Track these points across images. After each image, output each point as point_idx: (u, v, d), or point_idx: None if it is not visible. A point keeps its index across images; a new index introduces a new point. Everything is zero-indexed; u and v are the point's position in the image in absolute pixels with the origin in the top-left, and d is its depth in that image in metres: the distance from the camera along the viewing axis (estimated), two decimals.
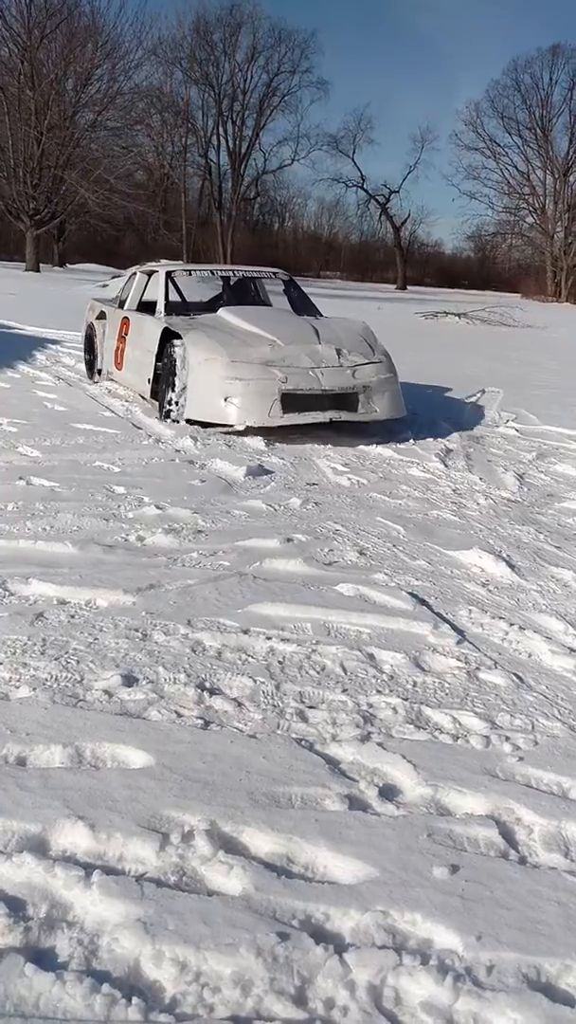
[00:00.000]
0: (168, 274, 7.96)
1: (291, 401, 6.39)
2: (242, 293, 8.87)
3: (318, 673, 2.90)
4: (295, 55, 48.43)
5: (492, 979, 1.70)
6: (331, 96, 68.05)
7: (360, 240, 59.32)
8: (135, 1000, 1.57)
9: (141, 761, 2.32)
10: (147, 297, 8.22)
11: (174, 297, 7.89)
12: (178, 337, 6.82)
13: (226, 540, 4.15)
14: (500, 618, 3.42)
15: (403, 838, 2.08)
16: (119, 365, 8.15)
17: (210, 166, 49.88)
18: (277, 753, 2.39)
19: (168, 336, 7.05)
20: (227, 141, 49.55)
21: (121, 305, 8.56)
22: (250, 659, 2.97)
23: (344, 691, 2.79)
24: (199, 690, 2.71)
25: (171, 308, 7.63)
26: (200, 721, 2.54)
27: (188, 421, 6.63)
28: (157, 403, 7.12)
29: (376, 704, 2.73)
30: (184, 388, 6.65)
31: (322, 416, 6.48)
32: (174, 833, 2.03)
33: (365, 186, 52.81)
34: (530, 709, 2.77)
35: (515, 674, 3.00)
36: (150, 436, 6.40)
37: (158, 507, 4.58)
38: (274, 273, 8.90)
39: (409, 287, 47.47)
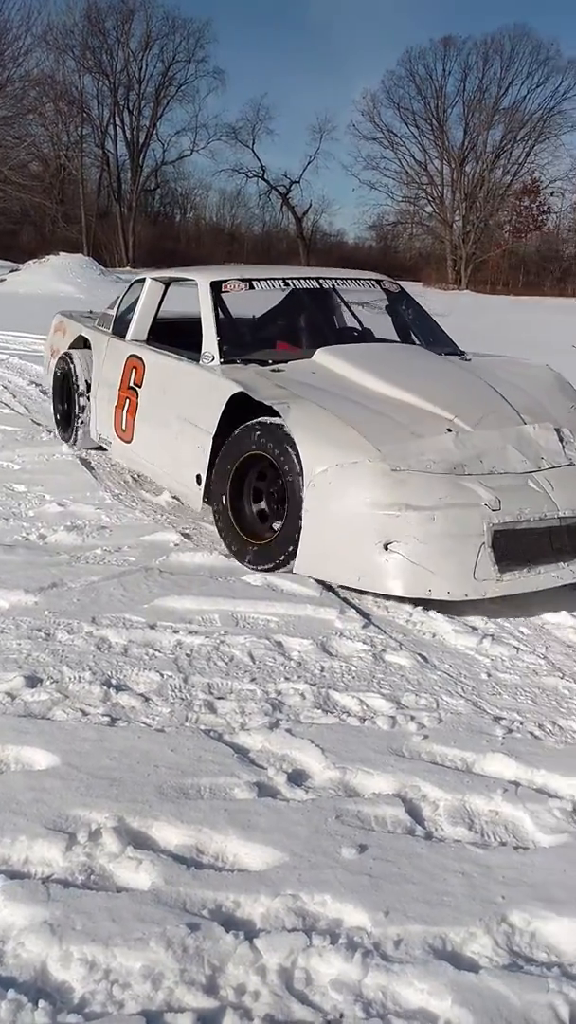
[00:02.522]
0: (216, 287, 4.53)
1: (511, 545, 3.32)
2: (319, 314, 5.31)
3: (226, 664, 2.90)
4: (190, 44, 47.89)
5: (400, 952, 1.73)
6: (229, 86, 67.35)
7: (263, 230, 59.32)
8: (42, 1003, 1.55)
9: (46, 762, 2.28)
10: (164, 316, 5.27)
11: (227, 327, 4.60)
12: (268, 412, 3.69)
13: (131, 535, 4.11)
14: (405, 600, 3.48)
15: (312, 822, 2.10)
16: (126, 433, 4.90)
17: (108, 156, 49.03)
18: (185, 745, 2.39)
19: (240, 405, 3.84)
20: (124, 131, 48.77)
21: (119, 330, 5.36)
22: (157, 654, 2.95)
23: (253, 680, 2.80)
24: (105, 687, 2.68)
25: (227, 346, 4.35)
26: (107, 718, 2.51)
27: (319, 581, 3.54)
28: (218, 522, 3.91)
29: (284, 691, 2.74)
30: (294, 519, 3.52)
31: (569, 573, 3.40)
32: (81, 832, 2.00)
33: (266, 176, 52.82)
34: (435, 688, 2.83)
35: (420, 654, 3.06)
36: (51, 432, 6.20)
37: (60, 504, 4.50)
38: (376, 281, 5.30)
39: None
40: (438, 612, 3.38)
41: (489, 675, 2.95)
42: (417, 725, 2.58)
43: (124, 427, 4.94)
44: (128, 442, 4.93)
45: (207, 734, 2.46)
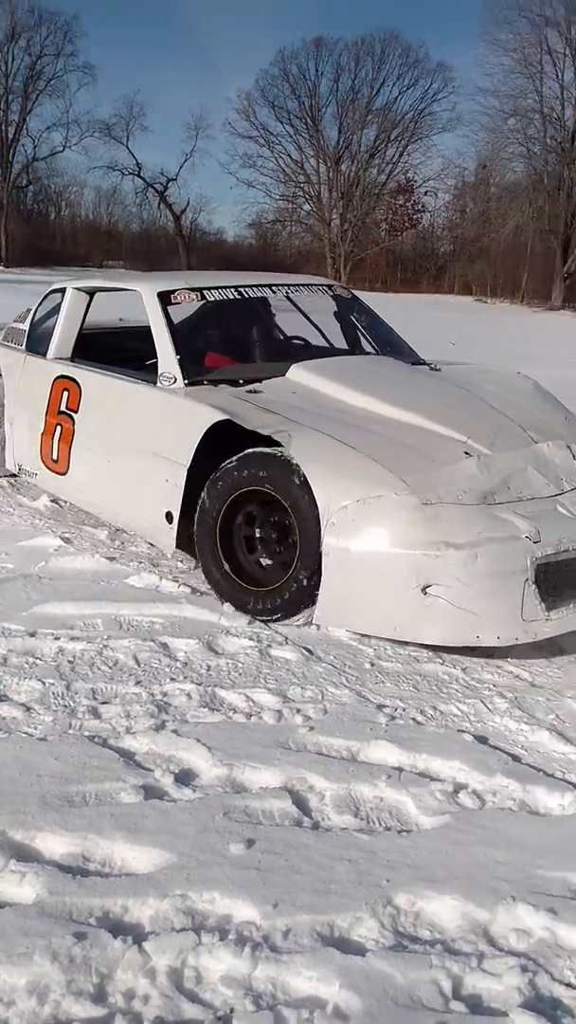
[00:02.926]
0: (164, 298, 4.06)
1: (554, 579, 3.01)
2: (254, 323, 4.82)
3: (110, 668, 2.87)
4: (58, 37, 46.68)
5: (289, 943, 1.75)
6: (101, 81, 66.46)
7: (142, 229, 58.62)
8: None
9: None
10: (90, 327, 4.83)
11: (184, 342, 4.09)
12: (258, 441, 3.30)
13: (8, 541, 4.00)
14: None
15: (200, 820, 2.10)
16: (59, 464, 4.39)
17: None
18: (69, 753, 2.35)
19: (220, 433, 3.41)
20: None
21: (35, 347, 4.81)
22: (38, 662, 2.88)
23: (138, 683, 2.78)
24: None
25: (189, 365, 3.90)
26: None
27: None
28: (206, 568, 3.47)
29: (170, 692, 2.73)
30: (308, 563, 3.11)
31: None
32: None
33: (142, 174, 52.20)
34: (320, 680, 2.87)
35: (305, 648, 3.10)
36: None
37: None
38: (327, 287, 4.91)
39: None
40: None
41: (372, 664, 3.01)
42: (303, 717, 2.61)
43: (56, 457, 4.38)
44: (62, 474, 4.36)
45: (91, 740, 2.42)
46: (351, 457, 3.13)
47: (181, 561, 3.85)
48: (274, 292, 4.56)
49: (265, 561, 3.42)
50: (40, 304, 5.02)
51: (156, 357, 3.99)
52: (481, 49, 53.74)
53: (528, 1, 31.95)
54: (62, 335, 4.63)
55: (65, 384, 4.38)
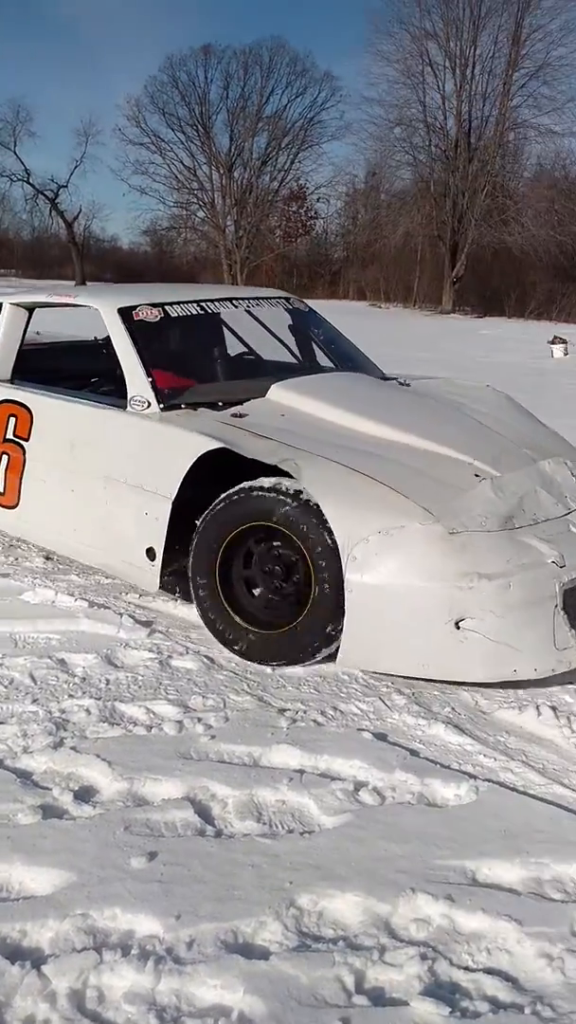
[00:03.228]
0: (126, 315, 3.79)
1: None
2: (201, 337, 4.50)
3: (5, 687, 2.80)
4: None
5: (192, 953, 1.75)
6: None
7: (33, 236, 57.48)
8: None
9: None
10: (32, 343, 4.59)
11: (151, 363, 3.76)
12: (268, 472, 3.06)
13: None
14: (189, 603, 3.50)
15: (100, 837, 2.08)
16: (6, 497, 4.04)
17: None
18: None
19: (206, 462, 3.20)
20: None
21: None
22: None
23: (35, 701, 2.72)
24: None
25: (160, 387, 3.62)
26: None
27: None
28: (203, 608, 3.19)
29: (69, 709, 2.69)
30: (326, 601, 2.90)
31: None
32: None
33: (31, 180, 51.16)
34: (221, 688, 2.88)
35: (206, 657, 3.09)
36: None
37: None
38: (286, 299, 4.66)
39: (88, 283, 46.77)
40: None
41: (273, 669, 3.03)
42: (204, 726, 2.60)
43: (3, 489, 4.04)
44: (10, 507, 4.02)
45: None
46: (366, 485, 2.93)
47: (78, 575, 3.79)
48: (235, 306, 4.28)
49: (267, 600, 3.14)
50: None
51: (96, 376, 3.85)
52: (365, 60, 54.71)
53: (408, 14, 32.72)
54: (0, 355, 4.26)
55: (11, 409, 4.01)
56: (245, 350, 4.54)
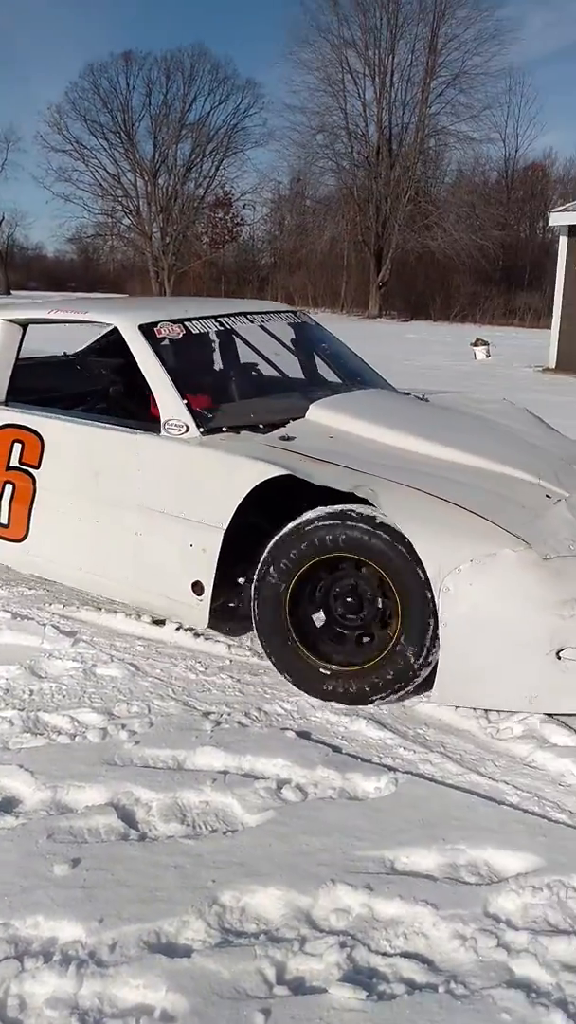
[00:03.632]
0: (148, 332, 3.55)
1: None
2: (226, 355, 4.31)
3: None
4: None
5: (115, 955, 1.77)
6: None
7: None
8: None
9: None
10: (32, 356, 4.33)
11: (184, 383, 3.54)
12: (342, 499, 2.89)
13: None
14: (113, 611, 3.51)
15: (23, 846, 2.08)
16: (13, 529, 3.74)
17: None
18: None
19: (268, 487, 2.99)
20: None
21: None
22: None
23: None
24: None
25: (197, 409, 3.40)
26: None
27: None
28: (270, 647, 3.00)
29: None
30: (419, 634, 2.74)
31: None
32: None
33: None
34: (146, 694, 2.89)
35: (131, 664, 3.11)
36: None
37: None
38: (294, 313, 4.49)
39: (13, 291, 46.08)
40: (150, 622, 3.44)
41: (199, 674, 3.06)
42: (128, 732, 2.62)
43: (8, 521, 3.74)
44: (17, 540, 3.72)
45: None
46: (450, 512, 2.78)
47: (0, 587, 3.76)
48: (251, 321, 4.04)
49: (341, 634, 2.95)
50: None
51: (66, 392, 3.73)
52: (286, 67, 55.10)
53: (327, 23, 33.08)
54: None
55: (15, 435, 3.71)
56: (257, 365, 4.37)
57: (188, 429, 3.29)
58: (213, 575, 3.03)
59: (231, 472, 3.04)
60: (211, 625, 3.13)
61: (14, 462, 3.69)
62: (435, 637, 2.71)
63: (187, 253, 47.12)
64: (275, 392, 3.93)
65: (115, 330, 3.83)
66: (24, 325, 3.99)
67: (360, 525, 2.78)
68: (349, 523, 2.80)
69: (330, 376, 4.30)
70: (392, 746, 2.61)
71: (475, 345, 17.64)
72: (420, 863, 2.10)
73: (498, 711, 2.78)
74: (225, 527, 3.00)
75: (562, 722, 2.70)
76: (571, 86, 64.21)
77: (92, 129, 46.89)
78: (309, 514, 2.88)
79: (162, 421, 3.33)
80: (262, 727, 2.70)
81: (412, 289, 34.06)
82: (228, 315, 3.94)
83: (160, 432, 3.33)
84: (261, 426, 3.39)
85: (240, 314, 4.01)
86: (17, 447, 3.69)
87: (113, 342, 4.50)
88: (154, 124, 47.03)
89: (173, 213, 46.49)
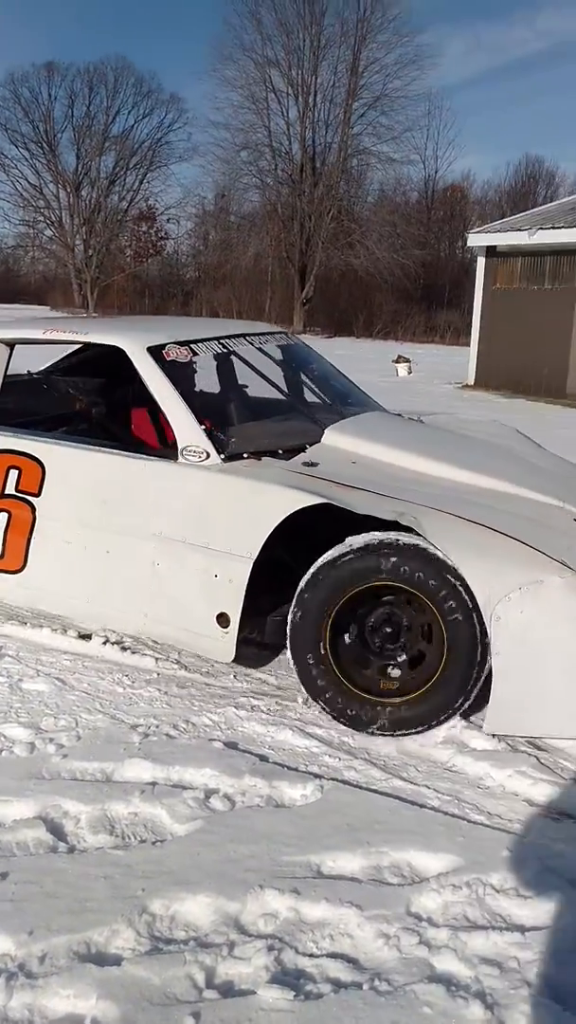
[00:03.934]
0: (157, 355, 3.45)
1: None
2: (229, 378, 4.17)
3: None
4: None
5: (45, 967, 1.78)
6: None
7: None
8: None
9: None
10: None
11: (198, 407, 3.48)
12: (386, 526, 2.84)
13: None
14: (39, 626, 3.49)
15: None
16: (8, 560, 3.56)
17: None
18: None
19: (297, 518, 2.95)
20: None
21: None
22: None
23: None
24: None
25: (218, 434, 3.35)
26: None
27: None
28: (316, 682, 2.87)
29: None
30: (460, 666, 2.74)
31: None
32: None
33: None
34: (73, 708, 2.90)
35: (58, 679, 3.10)
36: None
37: None
38: (284, 334, 4.45)
39: None
40: (76, 636, 3.43)
41: (126, 688, 3.07)
42: (56, 746, 2.62)
43: (1, 551, 3.55)
44: (13, 572, 3.53)
45: None
46: (493, 539, 2.77)
47: None
48: (250, 343, 3.93)
49: (380, 666, 2.92)
50: None
51: (37, 414, 3.57)
52: (210, 84, 55.35)
53: (251, 41, 33.40)
54: None
55: (9, 461, 3.53)
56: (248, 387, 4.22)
57: (208, 456, 3.20)
58: (240, 607, 2.96)
59: (262, 500, 2.98)
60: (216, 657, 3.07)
61: (9, 489, 3.52)
62: (482, 666, 2.71)
63: (110, 266, 46.78)
64: (281, 416, 3.87)
65: (85, 348, 3.75)
66: (11, 345, 3.83)
67: (407, 553, 2.74)
68: (391, 551, 2.75)
69: (324, 397, 4.22)
70: (318, 754, 2.67)
71: (397, 362, 17.97)
72: (345, 866, 2.16)
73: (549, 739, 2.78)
74: (255, 557, 2.93)
75: (480, 727, 2.81)
76: (487, 110, 66.21)
77: (12, 139, 46.26)
78: (351, 542, 2.81)
79: (179, 447, 3.24)
80: (190, 738, 2.73)
81: (335, 306, 34.50)
82: (230, 336, 3.86)
83: (177, 459, 3.24)
84: (280, 451, 3.33)
85: (240, 335, 3.93)
86: (13, 474, 3.52)
87: (85, 361, 4.38)
88: (77, 136, 46.69)
89: (96, 226, 46.16)
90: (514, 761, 2.64)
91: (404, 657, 2.87)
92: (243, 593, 2.95)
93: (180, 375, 3.51)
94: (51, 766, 2.52)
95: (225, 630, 3.01)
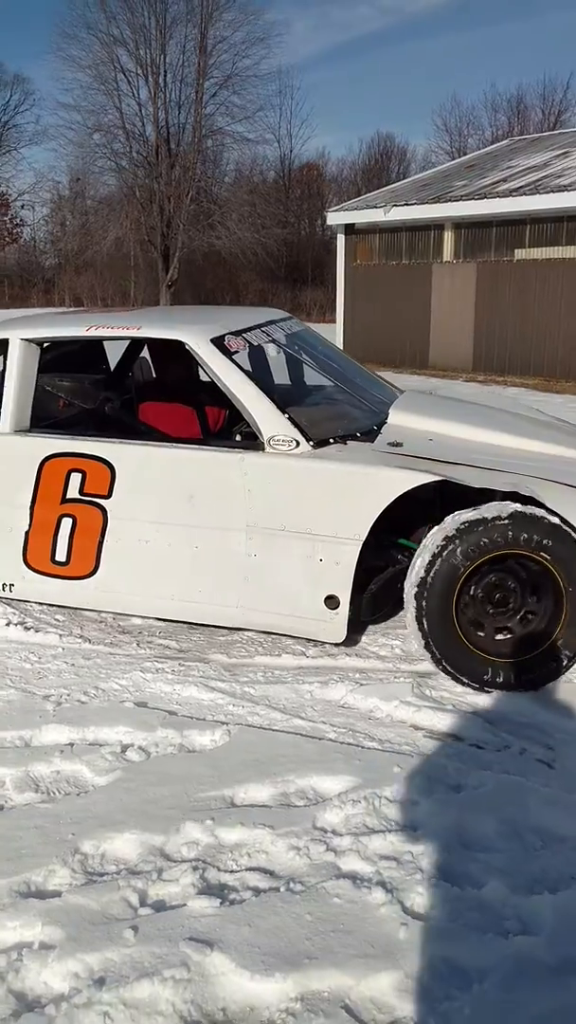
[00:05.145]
0: (220, 345, 3.45)
1: None
2: (267, 365, 4.05)
3: None
4: None
5: None
6: None
7: None
8: None
9: None
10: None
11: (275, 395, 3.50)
12: (523, 500, 2.97)
13: None
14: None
15: None
16: (71, 566, 3.50)
17: None
18: None
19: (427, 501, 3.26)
20: None
21: None
22: None
23: None
24: None
25: (304, 421, 3.37)
26: None
27: None
28: (437, 647, 3.01)
29: None
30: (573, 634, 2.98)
31: None
32: None
33: None
34: None
35: None
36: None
37: None
38: (294, 319, 4.44)
39: None
40: None
41: (33, 664, 3.20)
42: None
43: (64, 558, 3.49)
44: (82, 576, 3.48)
45: None
46: None
47: None
48: (282, 330, 3.97)
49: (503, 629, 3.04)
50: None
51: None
52: (56, 64, 53.75)
53: (95, 19, 32.66)
54: (18, 400, 3.64)
55: (73, 464, 3.47)
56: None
57: (298, 444, 3.23)
58: (350, 588, 3.09)
59: (370, 483, 3.06)
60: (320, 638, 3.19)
61: (73, 494, 3.47)
62: None
63: None
64: (332, 399, 3.89)
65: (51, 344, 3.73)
66: (41, 344, 3.75)
67: (539, 522, 2.87)
68: (522, 520, 2.88)
69: (349, 378, 4.16)
70: (223, 704, 2.89)
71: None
72: (256, 796, 2.39)
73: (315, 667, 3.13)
74: (363, 538, 3.05)
75: (364, 672, 3.08)
76: (337, 89, 66.95)
77: None
78: (482, 513, 2.92)
79: (265, 437, 3.25)
80: (101, 702, 2.90)
81: (202, 287, 34.49)
82: (266, 324, 3.88)
83: (264, 449, 3.25)
84: (358, 434, 3.40)
85: (270, 323, 3.94)
86: (76, 477, 3.47)
87: (59, 356, 4.17)
88: None
89: None
90: (399, 693, 2.93)
91: (519, 620, 3.01)
92: (352, 575, 3.08)
93: (253, 365, 3.56)
94: None
95: (335, 612, 3.13)
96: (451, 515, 2.99)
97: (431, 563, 2.95)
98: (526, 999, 1.71)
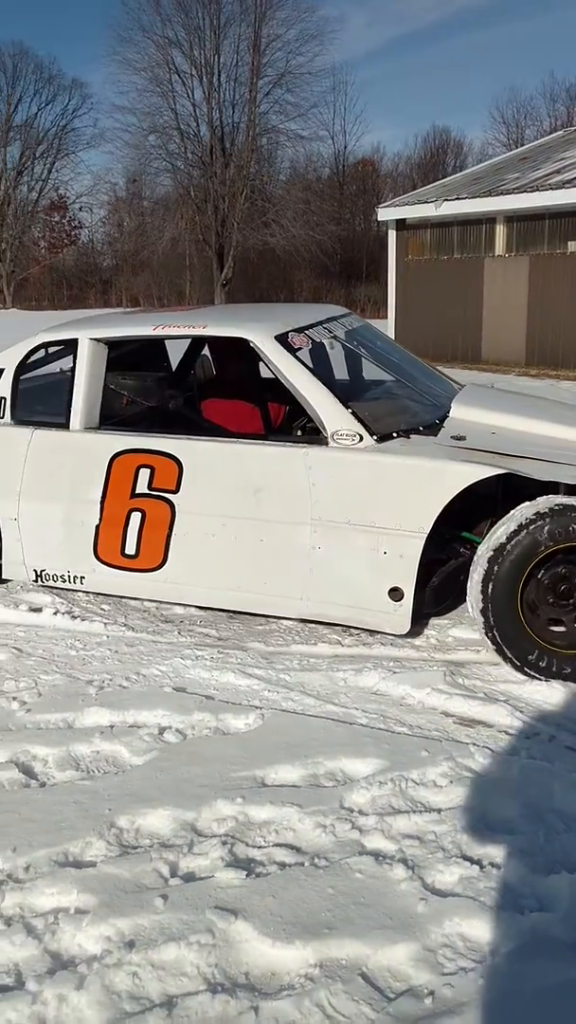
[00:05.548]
0: (285, 343, 3.53)
1: None
2: (328, 362, 4.08)
3: None
4: None
5: (30, 874, 2.07)
6: None
7: None
8: None
9: None
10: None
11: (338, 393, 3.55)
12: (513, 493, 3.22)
13: None
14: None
15: None
16: (140, 559, 3.61)
17: None
18: None
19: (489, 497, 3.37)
20: None
21: (27, 417, 3.89)
22: None
23: None
24: None
25: (369, 415, 3.46)
26: None
27: None
28: (500, 637, 3.07)
29: None
30: None
31: None
32: None
33: None
34: (31, 671, 3.15)
35: (15, 648, 3.35)
36: None
37: None
38: (353, 314, 4.50)
39: None
40: (27, 610, 3.67)
41: (79, 651, 3.33)
42: (20, 703, 2.88)
43: (133, 551, 3.60)
44: (151, 569, 3.58)
45: None
46: None
47: None
48: (343, 326, 4.07)
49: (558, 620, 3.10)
50: (23, 362, 3.96)
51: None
52: (112, 68, 54.49)
53: (150, 22, 33.08)
54: (87, 399, 3.76)
55: (142, 460, 3.58)
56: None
57: (362, 438, 3.29)
58: (414, 580, 3.15)
59: (434, 477, 3.12)
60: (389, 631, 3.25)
61: (141, 488, 3.57)
62: None
63: (25, 259, 46.05)
64: (393, 394, 3.95)
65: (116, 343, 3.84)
66: (109, 344, 3.86)
67: None
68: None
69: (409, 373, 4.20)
70: (258, 690, 2.98)
71: None
72: (286, 776, 2.47)
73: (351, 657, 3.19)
74: (427, 532, 3.11)
75: (398, 661, 3.14)
76: (392, 83, 66.67)
77: None
78: (547, 505, 2.99)
79: (329, 432, 3.31)
80: (142, 687, 3.02)
81: (256, 286, 34.69)
82: (327, 320, 3.95)
83: (328, 443, 3.32)
84: (421, 428, 3.44)
85: (330, 319, 4.01)
86: (144, 473, 3.57)
87: (122, 355, 4.18)
88: None
89: (7, 218, 45.32)
90: (431, 680, 2.98)
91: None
92: (416, 567, 3.14)
93: (314, 361, 3.64)
94: (16, 720, 2.78)
95: (398, 604, 3.20)
96: (545, 496, 3.03)
97: (516, 532, 2.98)
98: (539, 972, 1.76)
